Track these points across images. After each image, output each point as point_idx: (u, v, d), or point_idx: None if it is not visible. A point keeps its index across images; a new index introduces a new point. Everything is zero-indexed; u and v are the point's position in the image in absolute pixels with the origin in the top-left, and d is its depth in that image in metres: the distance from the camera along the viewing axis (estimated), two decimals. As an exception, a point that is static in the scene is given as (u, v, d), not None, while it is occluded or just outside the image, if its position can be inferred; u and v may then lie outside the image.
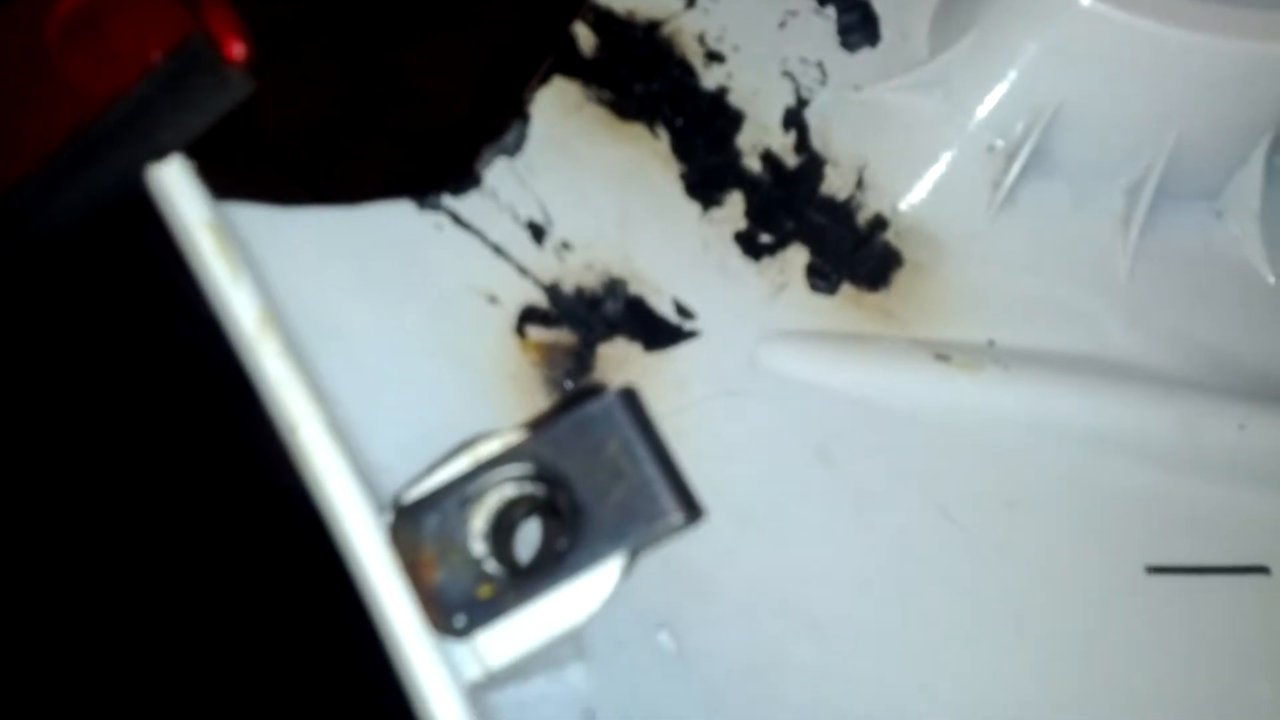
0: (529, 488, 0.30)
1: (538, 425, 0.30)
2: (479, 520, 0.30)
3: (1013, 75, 0.49)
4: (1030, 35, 0.48)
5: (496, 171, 0.46)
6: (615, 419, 0.30)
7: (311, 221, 0.39)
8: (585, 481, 0.30)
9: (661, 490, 0.29)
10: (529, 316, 0.43)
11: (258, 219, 0.37)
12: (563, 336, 0.43)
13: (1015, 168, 0.50)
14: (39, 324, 0.37)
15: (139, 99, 0.31)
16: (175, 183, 0.33)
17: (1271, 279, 0.51)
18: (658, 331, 0.45)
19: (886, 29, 0.54)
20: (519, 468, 0.30)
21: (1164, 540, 0.44)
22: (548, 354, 0.42)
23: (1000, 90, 0.50)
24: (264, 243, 0.35)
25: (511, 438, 0.31)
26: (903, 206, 0.50)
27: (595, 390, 0.30)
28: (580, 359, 0.43)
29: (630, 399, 0.30)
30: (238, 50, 0.30)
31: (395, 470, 0.33)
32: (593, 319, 0.44)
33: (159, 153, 0.33)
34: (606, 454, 0.30)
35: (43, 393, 0.38)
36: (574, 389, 0.39)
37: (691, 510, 0.29)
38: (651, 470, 0.29)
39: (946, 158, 0.51)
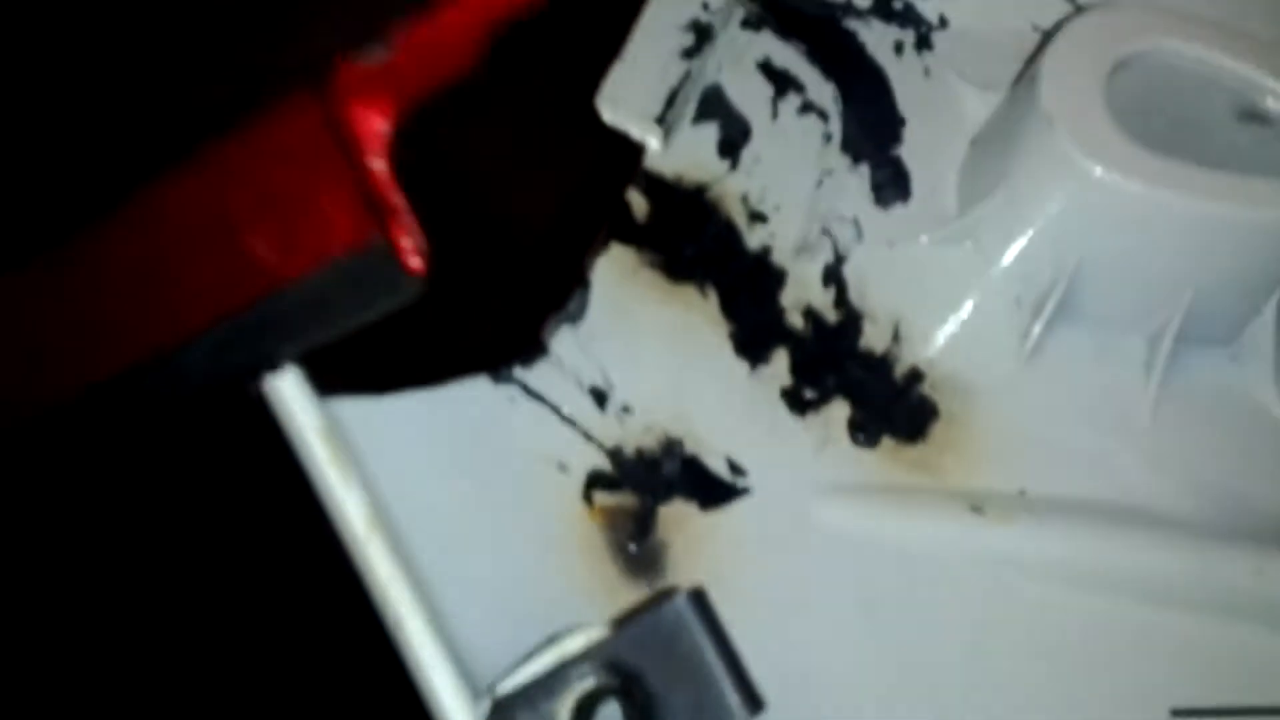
0: (608, 679, 0.34)
1: (618, 623, 0.34)
2: (564, 711, 0.34)
3: (1036, 233, 0.53)
4: (1050, 198, 0.52)
5: (561, 339, 0.50)
6: (684, 620, 0.34)
7: (403, 406, 0.43)
8: (658, 677, 0.33)
9: (726, 688, 0.33)
10: (595, 482, 0.47)
11: (358, 411, 0.41)
12: (626, 499, 0.47)
13: (1042, 319, 0.53)
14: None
15: (316, 287, 0.33)
16: (291, 393, 0.38)
17: (1287, 422, 0.54)
18: (712, 490, 0.48)
19: (917, 185, 0.58)
20: (600, 662, 0.34)
21: (1189, 683, 0.47)
22: (611, 518, 0.46)
23: (1025, 246, 0.54)
24: (364, 433, 0.39)
25: (594, 633, 0.34)
26: (937, 358, 0.54)
27: (669, 593, 0.34)
28: (641, 521, 0.46)
29: (699, 600, 0.34)
30: (416, 264, 0.33)
31: (487, 650, 0.36)
32: (653, 480, 0.48)
33: (319, 337, 0.36)
34: (678, 652, 0.33)
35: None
36: (653, 594, 0.43)
37: (754, 704, 0.33)
38: (718, 669, 0.33)
39: (976, 310, 0.54)
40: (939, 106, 0.59)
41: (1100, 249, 0.52)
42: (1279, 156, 0.53)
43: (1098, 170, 0.49)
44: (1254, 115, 0.53)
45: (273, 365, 0.37)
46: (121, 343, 0.36)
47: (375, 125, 0.32)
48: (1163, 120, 0.55)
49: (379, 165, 0.32)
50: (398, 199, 0.33)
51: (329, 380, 0.40)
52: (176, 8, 0.32)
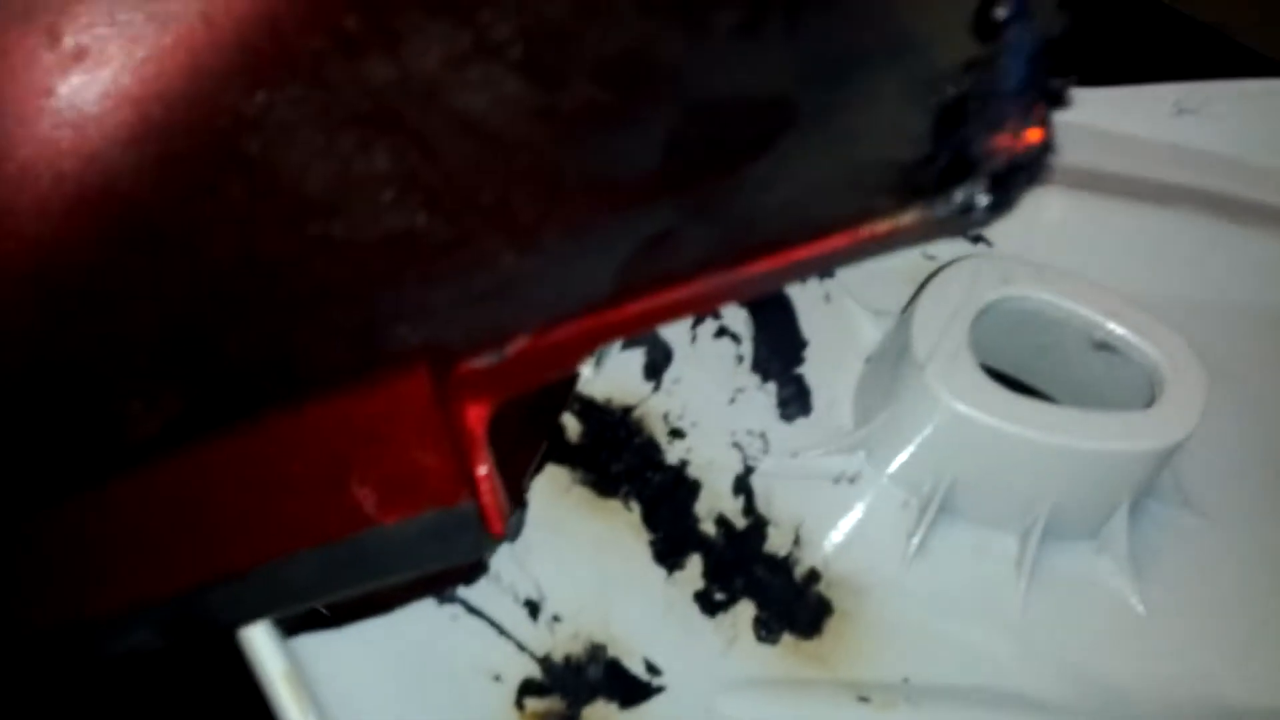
0: None
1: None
2: None
3: (916, 449, 0.61)
4: (925, 423, 0.60)
5: (500, 557, 0.57)
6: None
7: (358, 634, 0.51)
8: None
9: None
10: (526, 689, 0.54)
11: (318, 644, 0.48)
12: (554, 704, 0.54)
13: (924, 522, 0.61)
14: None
15: (406, 534, 0.36)
16: (261, 639, 0.45)
17: (1142, 609, 0.62)
18: (631, 690, 0.55)
19: (817, 401, 0.66)
20: None
21: None
22: (541, 722, 0.53)
23: (908, 459, 0.62)
24: (324, 665, 0.46)
25: None
26: (832, 558, 0.61)
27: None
28: (568, 722, 0.54)
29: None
30: (499, 528, 0.36)
31: None
32: (578, 685, 0.55)
33: (394, 578, 0.38)
34: None
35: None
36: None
37: None
38: None
39: (868, 514, 0.62)
40: (837, 329, 0.67)
41: (971, 466, 0.60)
42: (1130, 378, 0.62)
43: (960, 408, 0.57)
44: (1104, 346, 0.62)
45: (343, 596, 0.42)
46: (197, 559, 0.38)
47: (477, 413, 0.38)
48: (1029, 349, 0.64)
49: (479, 443, 0.38)
50: (489, 470, 0.37)
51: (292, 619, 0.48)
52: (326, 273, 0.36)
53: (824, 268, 0.36)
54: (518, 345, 0.37)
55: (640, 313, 0.36)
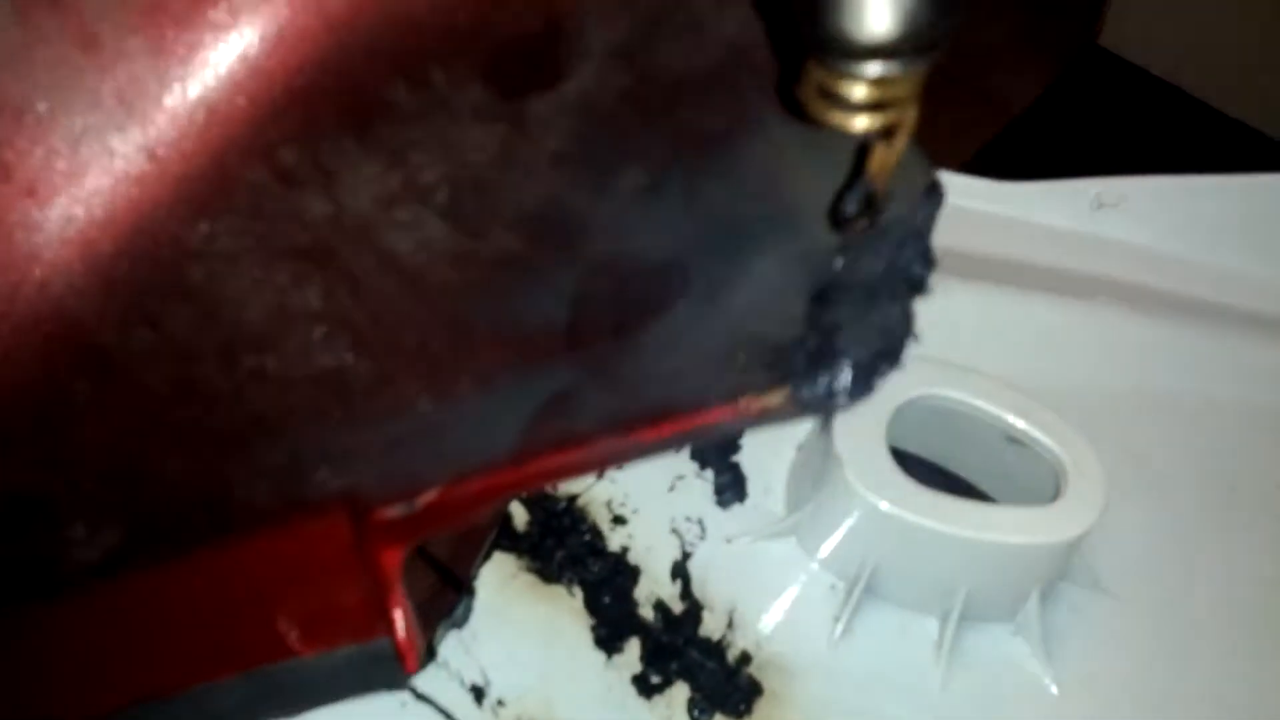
0: None
1: None
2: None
3: (842, 538, 0.65)
4: (848, 514, 0.64)
5: (447, 644, 0.61)
6: None
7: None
8: None
9: None
10: (470, 773, 0.57)
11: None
12: (495, 786, 0.57)
13: (850, 604, 0.65)
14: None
15: (323, 666, 0.39)
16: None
17: (1055, 689, 0.66)
18: (569, 772, 0.59)
19: (753, 488, 0.70)
20: None
21: None
22: (483, 805, 0.57)
23: (835, 546, 0.65)
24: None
25: None
26: (764, 641, 0.65)
27: None
28: (509, 807, 0.57)
29: None
30: (413, 665, 0.39)
31: None
32: (519, 767, 0.58)
33: (307, 707, 0.41)
34: None
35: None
36: None
37: None
38: None
39: (797, 597, 0.66)
40: (771, 419, 0.71)
41: (891, 554, 0.64)
42: (1039, 469, 0.66)
43: (877, 503, 0.61)
44: (1014, 440, 0.66)
45: None
46: (128, 680, 0.40)
47: (392, 556, 0.41)
48: (947, 440, 0.68)
49: (393, 584, 0.41)
50: (405, 610, 0.40)
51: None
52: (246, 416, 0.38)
53: (702, 438, 0.40)
54: (427, 498, 0.41)
55: (539, 472, 0.40)
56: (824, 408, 0.36)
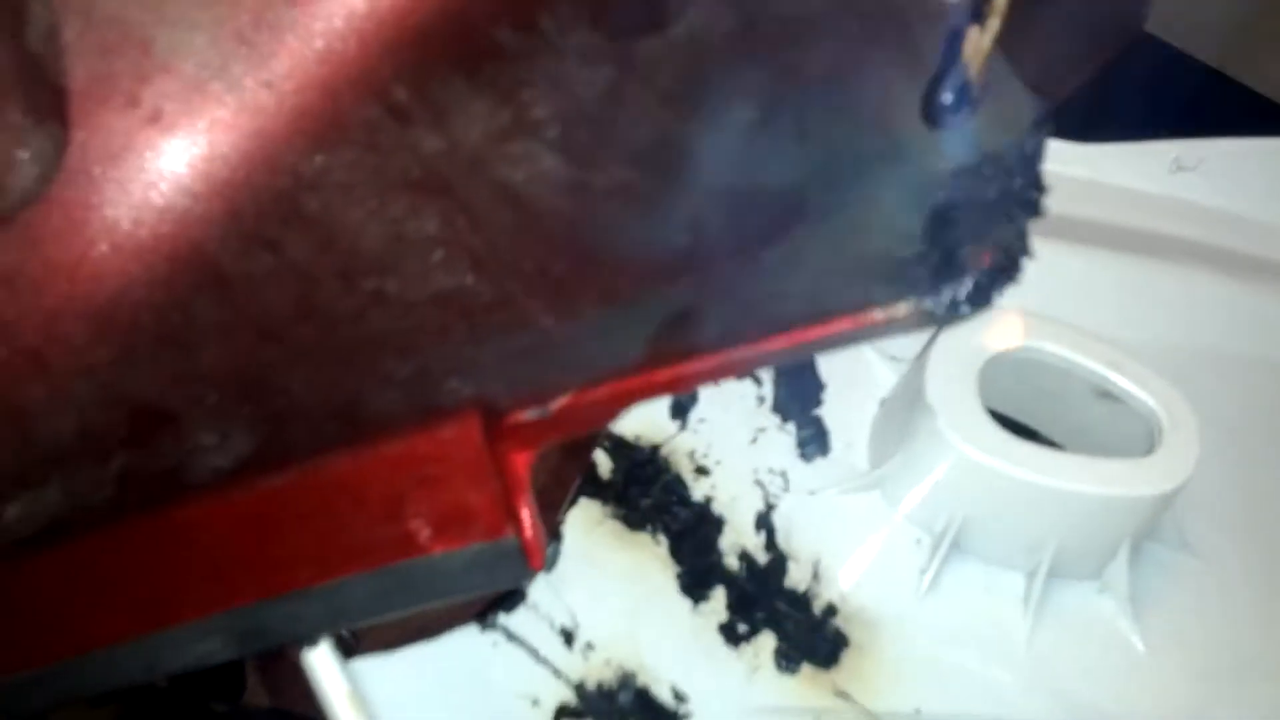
0: None
1: None
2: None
3: (929, 490, 0.65)
4: (937, 464, 0.64)
5: (537, 586, 0.60)
6: None
7: (410, 658, 0.54)
8: None
9: None
10: (562, 714, 0.57)
11: (375, 667, 0.52)
12: (588, 728, 0.57)
13: (936, 558, 0.65)
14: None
15: (447, 565, 0.39)
16: (323, 663, 0.49)
17: (1141, 647, 0.65)
18: (660, 716, 0.59)
19: (836, 442, 0.69)
20: None
21: None
22: (576, 747, 0.56)
23: (921, 499, 0.65)
24: (380, 686, 0.50)
25: None
26: (849, 593, 0.65)
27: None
28: (601, 747, 0.57)
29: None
30: (538, 562, 0.40)
31: None
32: (611, 710, 0.58)
33: (440, 600, 0.42)
34: None
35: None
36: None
37: None
38: None
39: (883, 550, 0.66)
40: (854, 373, 0.71)
41: (980, 507, 0.63)
42: (1131, 426, 0.65)
43: (969, 452, 0.61)
44: (1106, 394, 0.66)
45: (393, 617, 0.45)
46: (263, 576, 0.41)
47: (522, 459, 0.42)
48: (1035, 396, 0.68)
49: (523, 485, 0.42)
50: (531, 510, 0.41)
51: (352, 642, 0.51)
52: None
53: (829, 348, 0.40)
54: (560, 403, 0.41)
55: (669, 379, 0.40)
56: (948, 319, 0.37)
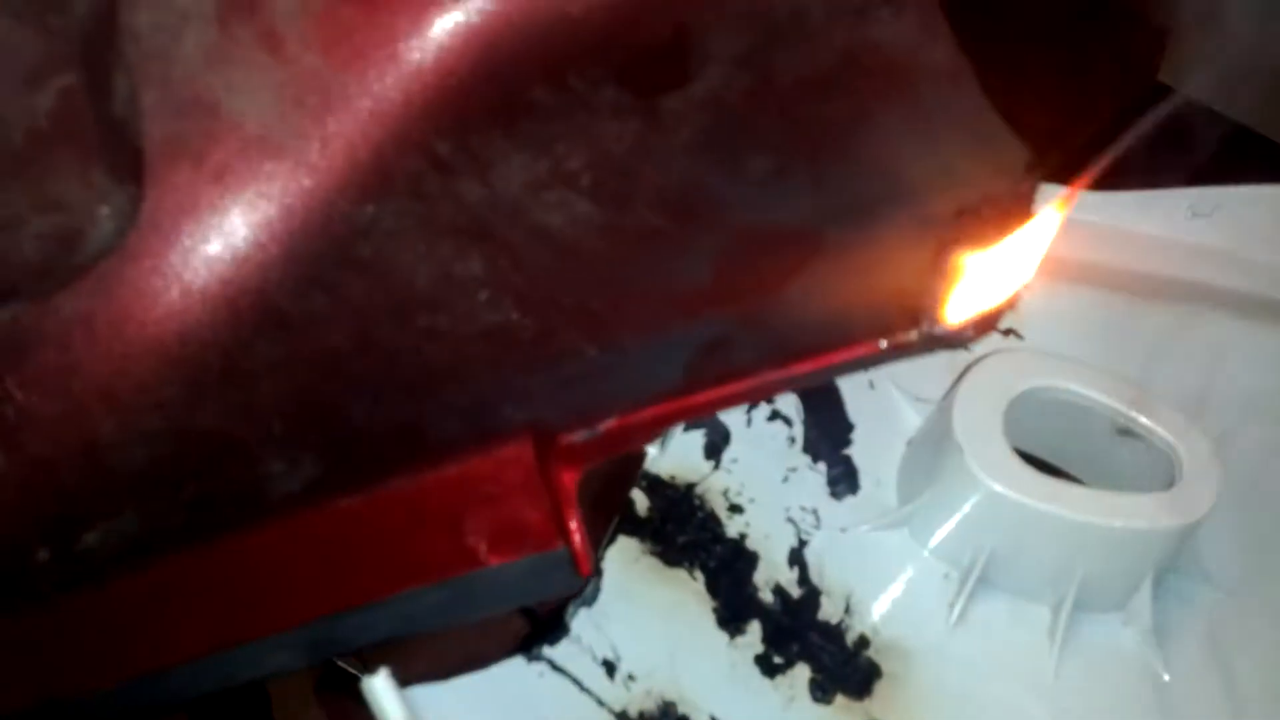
0: None
1: None
2: None
3: (956, 526, 0.67)
4: (965, 501, 0.66)
5: (579, 620, 0.63)
6: None
7: (461, 686, 0.57)
8: None
9: None
10: (606, 741, 0.59)
11: (430, 694, 0.54)
12: (631, 755, 0.59)
13: (964, 593, 0.67)
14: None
15: (505, 575, 0.43)
16: (383, 689, 0.51)
17: (1166, 676, 0.67)
18: (699, 744, 0.61)
19: (864, 480, 0.72)
20: None
21: None
22: (620, 773, 0.59)
23: (948, 535, 0.67)
24: (438, 710, 0.52)
25: None
26: (880, 626, 0.67)
27: None
28: (644, 774, 0.59)
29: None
30: (587, 568, 0.44)
31: None
32: (652, 738, 0.60)
33: (496, 610, 0.48)
34: None
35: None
36: None
37: None
38: None
39: (911, 585, 0.68)
40: (882, 414, 0.73)
41: (1006, 541, 0.66)
42: (1151, 462, 0.68)
43: (996, 487, 0.63)
44: (1127, 432, 0.68)
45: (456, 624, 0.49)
46: (331, 592, 0.45)
47: (570, 476, 0.46)
48: (1057, 434, 0.70)
49: (572, 500, 0.45)
50: (579, 522, 0.45)
51: (409, 672, 0.54)
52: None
53: (851, 371, 0.45)
54: (608, 425, 0.45)
55: (707, 401, 0.45)
56: (956, 344, 0.40)
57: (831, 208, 0.42)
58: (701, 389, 0.45)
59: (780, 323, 0.44)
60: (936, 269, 0.42)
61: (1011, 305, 0.42)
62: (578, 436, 0.45)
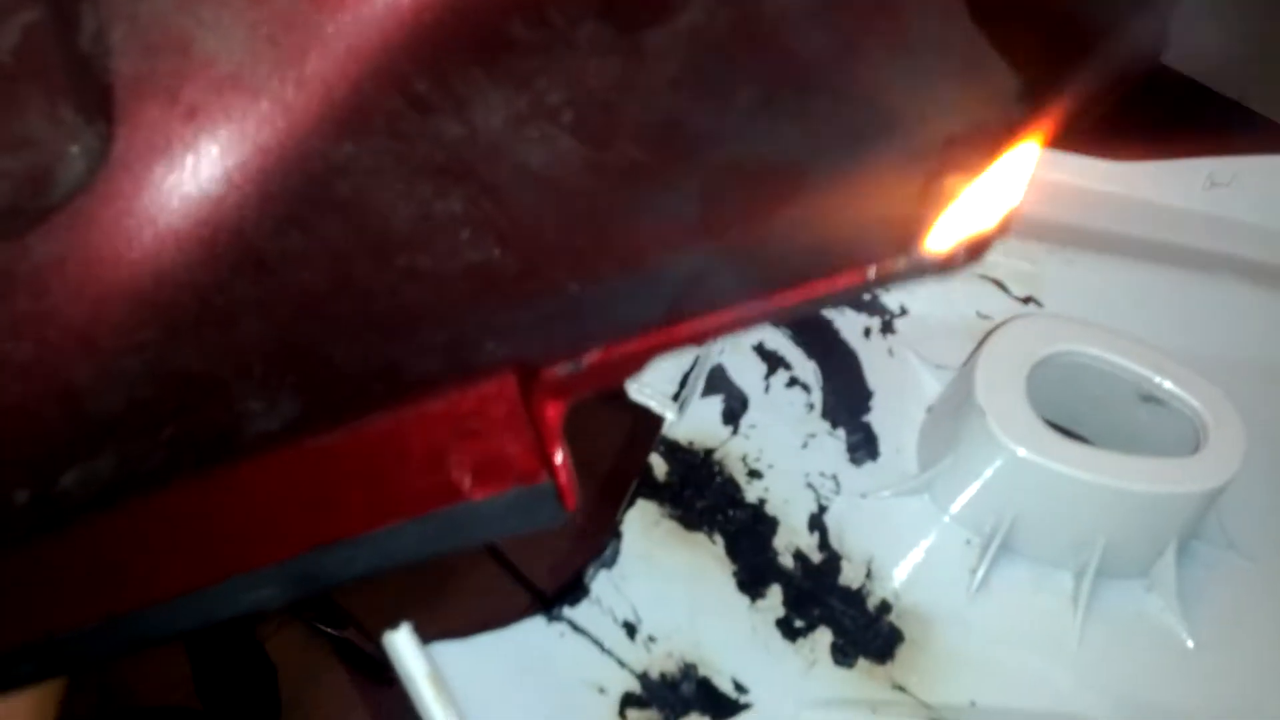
0: None
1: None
2: None
3: (977, 491, 0.66)
4: (987, 465, 0.65)
5: (599, 582, 0.62)
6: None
7: (482, 644, 0.56)
8: None
9: None
10: (628, 702, 0.59)
11: (451, 651, 0.54)
12: (653, 716, 0.59)
13: (986, 558, 0.66)
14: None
15: (488, 509, 0.42)
16: (405, 645, 0.51)
17: (1190, 643, 0.66)
18: (720, 706, 0.60)
19: (884, 446, 0.71)
20: None
21: None
22: (642, 733, 0.58)
23: (970, 500, 0.67)
24: (455, 669, 0.52)
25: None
26: (901, 591, 0.66)
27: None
28: (666, 734, 0.59)
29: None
30: (573, 503, 0.43)
31: None
32: (674, 699, 0.60)
33: (478, 541, 0.47)
34: None
35: None
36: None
37: None
38: None
39: (933, 551, 0.67)
40: (901, 381, 0.73)
41: (1029, 506, 0.65)
42: (1175, 427, 0.67)
43: (1019, 451, 0.62)
44: (1150, 398, 0.67)
45: (438, 556, 0.48)
46: (314, 527, 0.43)
47: (555, 410, 0.45)
48: (1079, 401, 0.69)
49: (557, 434, 0.45)
50: (565, 455, 0.43)
51: (431, 630, 0.53)
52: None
53: (840, 301, 0.44)
54: (591, 357, 0.45)
55: (693, 332, 0.44)
56: (944, 271, 0.40)
57: (819, 139, 0.42)
58: (686, 320, 0.44)
59: (767, 253, 0.44)
60: (925, 196, 0.42)
61: (1003, 230, 0.42)
62: (562, 370, 0.44)
